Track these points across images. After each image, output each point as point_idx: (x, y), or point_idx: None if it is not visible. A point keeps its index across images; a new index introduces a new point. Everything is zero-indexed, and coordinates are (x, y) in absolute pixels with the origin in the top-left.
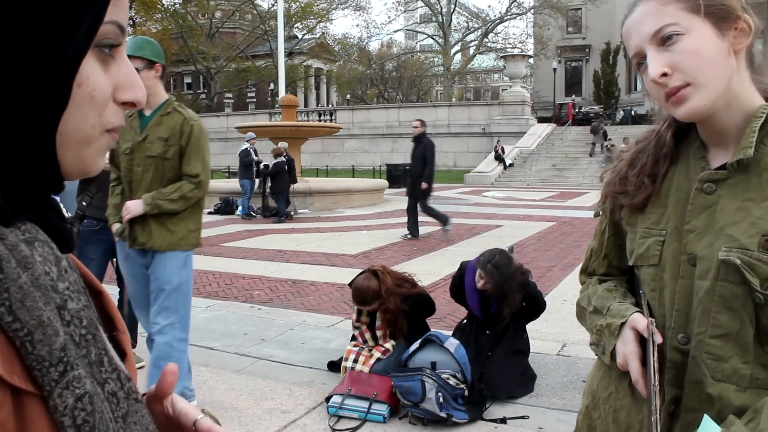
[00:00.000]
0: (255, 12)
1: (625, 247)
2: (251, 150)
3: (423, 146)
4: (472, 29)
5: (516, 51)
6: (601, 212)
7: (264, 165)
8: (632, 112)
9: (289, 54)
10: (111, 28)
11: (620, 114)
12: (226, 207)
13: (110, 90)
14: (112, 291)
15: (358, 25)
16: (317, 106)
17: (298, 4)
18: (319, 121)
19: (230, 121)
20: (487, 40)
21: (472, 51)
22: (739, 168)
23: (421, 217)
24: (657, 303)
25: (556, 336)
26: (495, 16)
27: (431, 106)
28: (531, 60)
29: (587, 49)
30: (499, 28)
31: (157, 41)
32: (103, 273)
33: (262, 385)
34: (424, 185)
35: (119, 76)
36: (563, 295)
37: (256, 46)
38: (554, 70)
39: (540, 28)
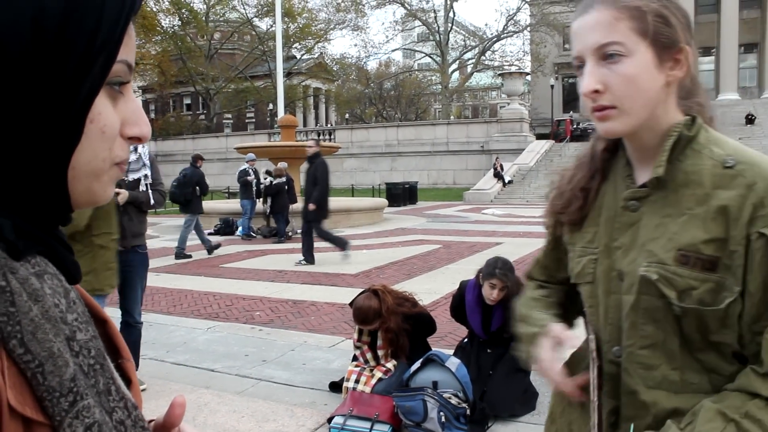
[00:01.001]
0: (254, 33)
1: (564, 261)
2: (250, 170)
3: (314, 166)
4: (470, 47)
5: (513, 68)
6: (546, 225)
7: (267, 180)
8: None
9: (288, 74)
10: (121, 66)
11: None
12: (226, 227)
13: (119, 125)
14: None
15: (356, 45)
16: (316, 125)
17: (296, 24)
18: (320, 140)
19: (229, 142)
20: (484, 58)
21: (469, 69)
22: (658, 185)
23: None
24: (595, 319)
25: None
26: (492, 34)
27: (430, 125)
28: (528, 77)
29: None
30: (497, 45)
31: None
32: None
33: (264, 407)
34: (311, 207)
35: (126, 112)
36: None
37: (255, 66)
38: (552, 86)
39: (537, 45)
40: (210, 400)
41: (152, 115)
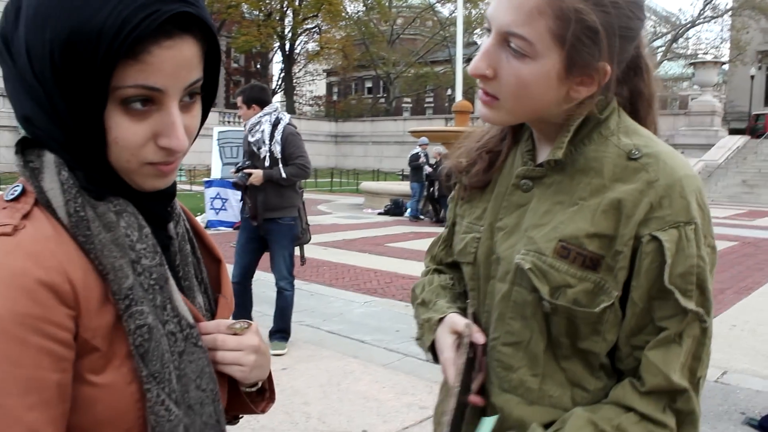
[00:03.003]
0: (435, 18)
1: None
2: (422, 154)
3: None
4: (660, 34)
5: (708, 57)
6: (451, 198)
7: (431, 166)
8: None
9: (468, 60)
10: (135, 90)
11: None
12: (395, 208)
13: (142, 137)
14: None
15: None
16: None
17: (477, 10)
18: None
19: (407, 125)
20: (676, 46)
21: (659, 57)
22: (555, 167)
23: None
24: (475, 303)
25: (717, 362)
26: (686, 19)
27: None
28: (725, 66)
29: None
30: (690, 32)
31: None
32: (246, 260)
33: (405, 381)
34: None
35: (160, 126)
36: (733, 320)
37: (436, 52)
38: (752, 77)
39: (738, 31)
40: (356, 368)
41: (335, 98)
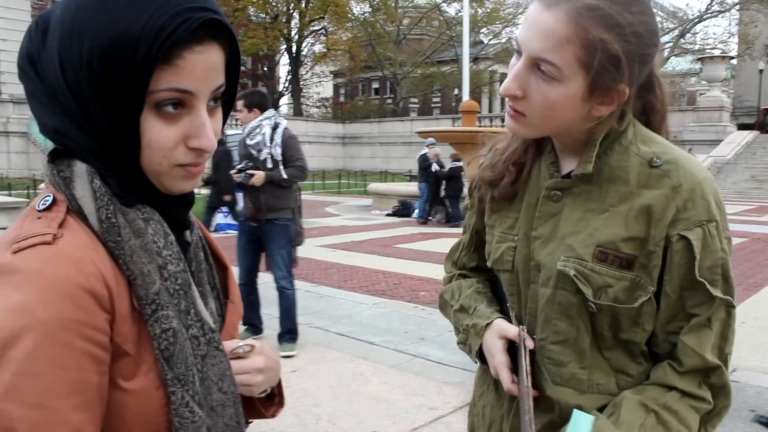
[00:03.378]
0: (441, 18)
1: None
2: (429, 155)
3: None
4: (667, 30)
5: (716, 52)
6: (469, 205)
7: (439, 167)
8: None
9: (475, 59)
10: (169, 93)
11: None
12: (403, 209)
13: (174, 139)
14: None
15: None
16: (501, 111)
17: (484, 9)
18: (502, 126)
19: (414, 126)
20: (683, 41)
21: (666, 53)
22: (583, 178)
23: None
24: (516, 307)
25: None
26: (693, 14)
27: None
28: (733, 61)
29: None
30: (698, 27)
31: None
32: (249, 261)
33: (414, 382)
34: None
35: (191, 128)
36: (743, 316)
37: (442, 51)
38: (760, 71)
39: (746, 25)
40: (365, 370)
41: (342, 99)
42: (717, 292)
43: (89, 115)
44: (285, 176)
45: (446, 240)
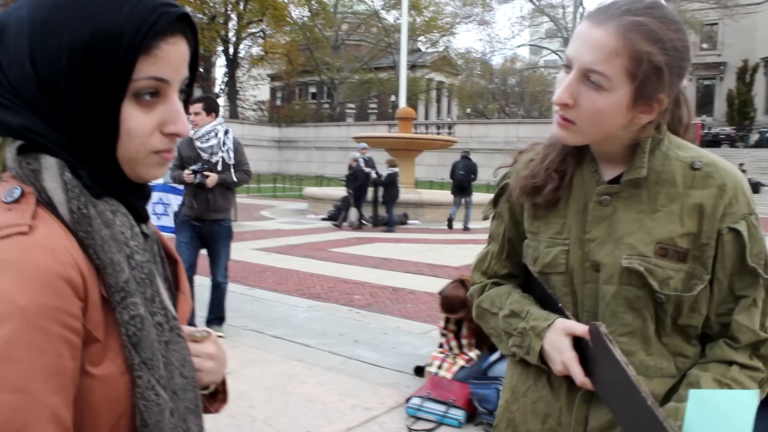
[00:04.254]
0: (380, 25)
1: (520, 249)
2: (361, 160)
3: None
4: None
5: None
6: (494, 215)
7: (376, 174)
8: None
9: (412, 67)
10: (148, 82)
11: (755, 136)
12: (338, 214)
13: (151, 126)
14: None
15: (481, 40)
16: (437, 118)
17: (422, 17)
18: (438, 134)
19: (351, 131)
20: None
21: None
22: (631, 182)
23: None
24: (570, 305)
25: None
26: None
27: (551, 123)
28: None
29: (722, 67)
30: None
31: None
32: (192, 259)
33: (349, 383)
34: None
35: (166, 115)
36: None
37: (380, 58)
38: (684, 88)
39: None
40: (300, 371)
41: (278, 103)
42: (764, 274)
43: (63, 109)
44: (235, 179)
45: (381, 245)
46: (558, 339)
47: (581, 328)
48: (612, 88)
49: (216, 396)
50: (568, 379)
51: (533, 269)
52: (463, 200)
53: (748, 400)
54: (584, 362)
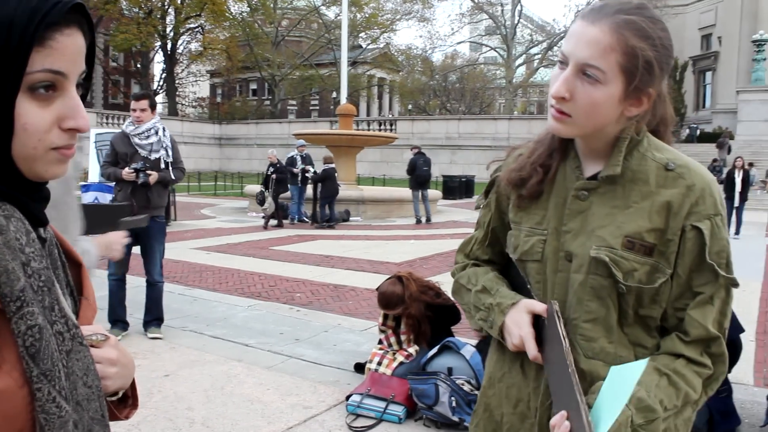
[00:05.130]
0: (320, 21)
1: (503, 237)
2: (297, 157)
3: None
4: (536, 42)
5: None
6: (483, 205)
7: (313, 171)
8: (698, 131)
9: (353, 63)
10: (43, 75)
11: (685, 132)
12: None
13: (48, 121)
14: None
15: (421, 36)
16: (379, 115)
17: (363, 14)
18: (380, 130)
19: (292, 128)
20: (551, 53)
21: (536, 64)
22: (607, 180)
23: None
24: (541, 293)
25: None
26: (560, 29)
27: (491, 119)
28: None
29: None
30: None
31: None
32: (126, 258)
33: (289, 382)
34: None
35: (64, 109)
36: None
37: (321, 54)
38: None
39: None
40: (240, 372)
41: (219, 99)
42: (723, 272)
43: None
44: (173, 177)
45: (323, 242)
46: (519, 316)
47: (541, 307)
48: (607, 81)
49: (126, 402)
50: (539, 365)
51: (513, 256)
52: (421, 194)
53: (638, 368)
54: (541, 341)
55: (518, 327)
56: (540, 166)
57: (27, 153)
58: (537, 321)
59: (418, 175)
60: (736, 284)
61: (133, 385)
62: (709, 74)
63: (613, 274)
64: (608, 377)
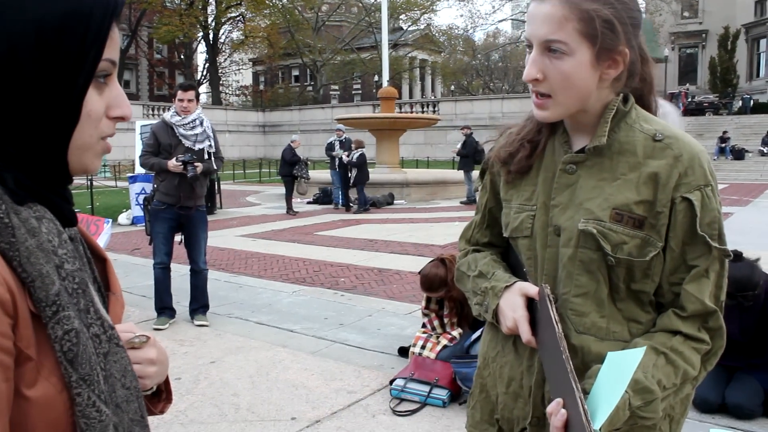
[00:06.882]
0: (360, 5)
1: (501, 219)
2: (336, 142)
3: None
4: None
5: None
6: (480, 187)
7: (345, 154)
8: (751, 101)
9: (394, 46)
10: (106, 64)
11: (738, 103)
12: (324, 197)
13: (103, 109)
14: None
15: (462, 15)
16: (422, 97)
17: None
18: (422, 112)
19: (335, 113)
20: None
21: None
22: (595, 152)
23: None
24: (532, 269)
25: None
26: None
27: None
28: None
29: (704, 35)
30: None
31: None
32: (170, 246)
33: (334, 367)
34: None
35: (111, 98)
36: None
37: (362, 38)
38: (666, 57)
39: (651, 14)
40: (285, 357)
41: (261, 87)
42: (715, 244)
43: (9, 99)
44: (216, 167)
45: (368, 226)
46: (514, 299)
47: (534, 290)
48: (572, 51)
49: (159, 396)
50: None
51: (506, 234)
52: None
53: (636, 356)
54: (534, 324)
55: (512, 310)
56: (528, 142)
57: (84, 141)
58: (531, 304)
59: (479, 152)
60: (729, 255)
61: (166, 380)
62: (763, 42)
63: (602, 246)
64: (605, 363)
